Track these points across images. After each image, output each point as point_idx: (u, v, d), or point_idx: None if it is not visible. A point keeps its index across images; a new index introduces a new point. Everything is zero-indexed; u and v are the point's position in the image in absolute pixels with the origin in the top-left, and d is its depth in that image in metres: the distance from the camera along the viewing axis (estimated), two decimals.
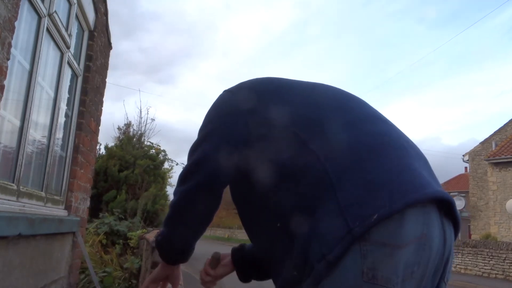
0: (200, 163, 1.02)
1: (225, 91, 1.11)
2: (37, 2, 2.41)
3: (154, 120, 12.76)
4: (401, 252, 0.78)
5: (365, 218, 0.78)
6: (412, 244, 0.80)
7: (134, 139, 11.99)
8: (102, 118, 4.43)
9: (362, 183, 0.83)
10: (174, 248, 1.16)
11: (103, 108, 4.42)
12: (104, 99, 4.46)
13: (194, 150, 1.05)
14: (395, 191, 0.80)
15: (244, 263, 1.26)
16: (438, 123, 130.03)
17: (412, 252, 0.80)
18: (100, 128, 4.44)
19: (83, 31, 3.68)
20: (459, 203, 20.01)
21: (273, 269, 1.03)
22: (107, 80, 4.55)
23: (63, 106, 3.27)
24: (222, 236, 37.64)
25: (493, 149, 19.36)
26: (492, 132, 21.79)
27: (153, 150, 11.64)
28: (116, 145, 11.56)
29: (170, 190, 11.98)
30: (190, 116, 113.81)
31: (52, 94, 2.99)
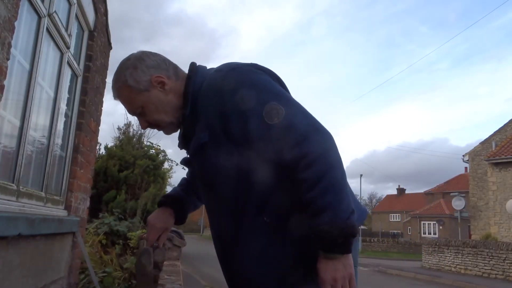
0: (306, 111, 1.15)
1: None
2: (37, 2, 2.41)
3: None
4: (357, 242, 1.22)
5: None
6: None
7: (134, 139, 11.98)
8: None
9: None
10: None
11: (103, 108, 4.42)
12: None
13: (286, 105, 1.12)
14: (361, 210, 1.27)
15: (181, 206, 1.48)
16: (446, 124, 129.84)
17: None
18: (101, 128, 4.44)
19: (83, 31, 3.68)
20: (459, 203, 19.99)
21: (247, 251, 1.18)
22: (107, 80, 4.56)
23: (63, 106, 3.27)
24: None
25: (493, 149, 19.35)
26: (491, 132, 21.79)
27: (153, 150, 11.63)
28: (116, 145, 11.55)
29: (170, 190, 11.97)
30: None
31: (52, 94, 2.99)
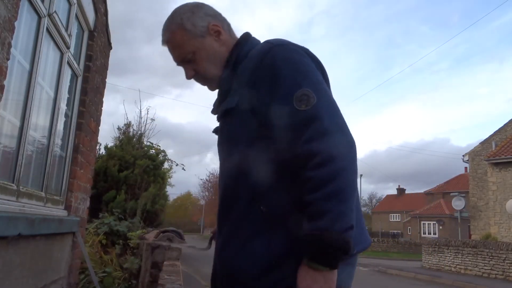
0: (338, 109, 1.10)
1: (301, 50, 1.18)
2: (37, 2, 2.41)
3: (154, 120, 12.73)
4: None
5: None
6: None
7: (134, 139, 11.98)
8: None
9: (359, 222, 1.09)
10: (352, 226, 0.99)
11: (103, 108, 4.42)
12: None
13: (320, 95, 1.06)
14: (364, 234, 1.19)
15: None
16: (447, 124, 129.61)
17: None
18: (101, 128, 4.44)
19: (83, 31, 3.68)
20: (459, 203, 19.99)
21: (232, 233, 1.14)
22: (107, 80, 4.55)
23: (63, 106, 3.27)
24: None
25: (493, 149, 19.35)
26: (492, 132, 21.80)
27: (153, 150, 11.64)
28: (116, 145, 11.55)
29: (170, 190, 12.00)
30: (200, 118, 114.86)
31: (52, 94, 2.99)
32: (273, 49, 1.14)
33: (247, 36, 1.30)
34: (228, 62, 1.25)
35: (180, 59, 1.28)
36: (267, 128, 1.09)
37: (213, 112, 1.35)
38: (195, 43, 1.24)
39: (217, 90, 1.33)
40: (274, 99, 1.08)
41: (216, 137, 1.33)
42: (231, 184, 1.16)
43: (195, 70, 1.28)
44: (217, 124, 1.33)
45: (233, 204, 1.14)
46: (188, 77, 1.29)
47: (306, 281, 0.97)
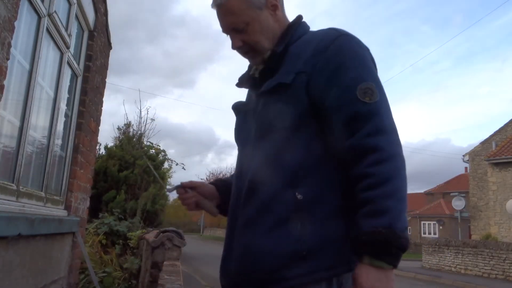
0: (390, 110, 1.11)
1: (363, 46, 1.17)
2: (37, 2, 2.41)
3: (154, 120, 12.73)
4: None
5: None
6: None
7: (134, 139, 11.98)
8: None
9: None
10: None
11: (103, 108, 4.43)
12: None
13: (380, 93, 1.07)
14: None
15: (227, 192, 1.31)
16: (449, 124, 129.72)
17: None
18: (101, 128, 4.44)
19: (83, 31, 3.68)
20: (459, 203, 19.97)
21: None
22: (107, 80, 4.55)
23: (63, 106, 3.27)
24: (222, 236, 37.61)
25: (493, 149, 19.35)
26: (492, 132, 21.79)
27: (153, 150, 11.63)
28: (116, 145, 11.55)
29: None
30: (201, 119, 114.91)
31: (52, 94, 2.99)
32: (341, 37, 1.14)
33: (300, 18, 1.29)
34: (281, 39, 1.23)
35: (231, 28, 1.22)
36: (320, 112, 1.09)
37: (239, 85, 1.33)
38: (251, 14, 1.19)
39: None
40: (336, 85, 1.08)
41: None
42: (266, 163, 1.12)
43: (243, 41, 1.22)
44: (234, 100, 1.32)
45: (263, 185, 1.10)
46: (234, 47, 1.25)
47: (369, 280, 0.95)
